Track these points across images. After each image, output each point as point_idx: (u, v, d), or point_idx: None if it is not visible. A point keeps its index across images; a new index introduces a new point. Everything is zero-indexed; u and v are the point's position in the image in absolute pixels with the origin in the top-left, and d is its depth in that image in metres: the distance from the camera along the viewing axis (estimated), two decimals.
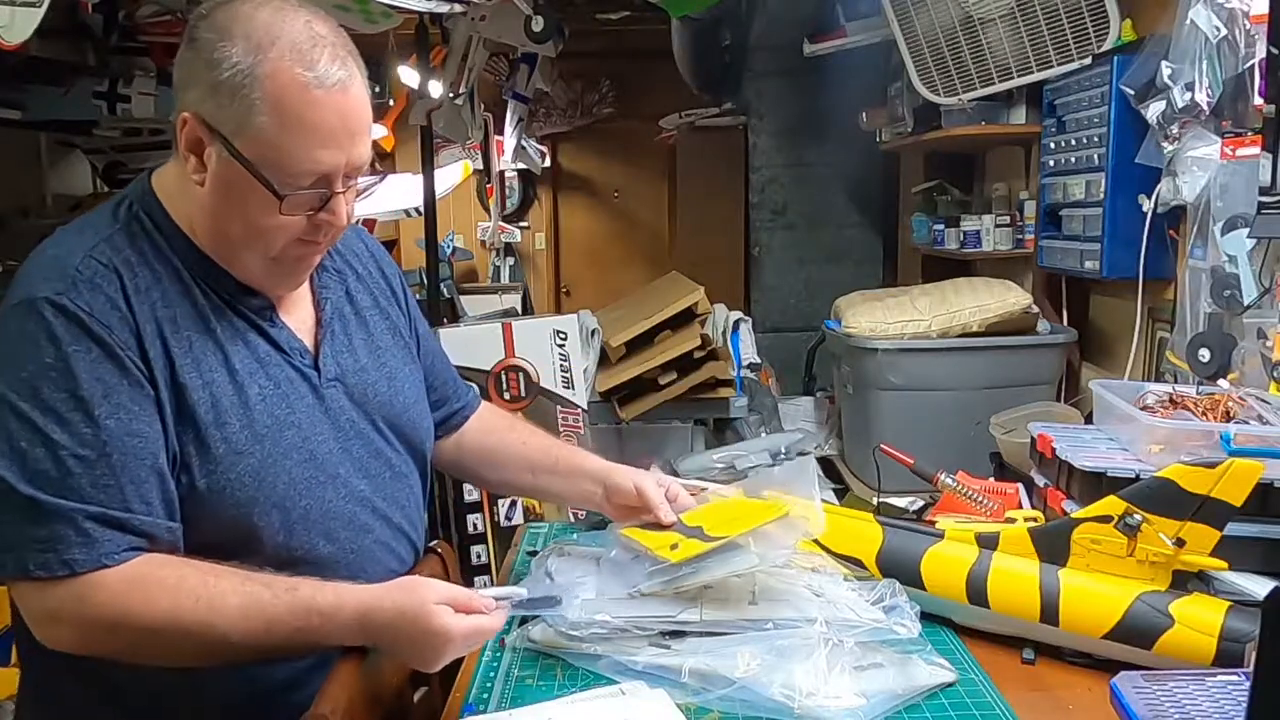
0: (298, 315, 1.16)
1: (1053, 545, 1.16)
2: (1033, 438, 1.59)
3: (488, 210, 6.60)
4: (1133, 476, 1.32)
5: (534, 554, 1.35)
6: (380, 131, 6.10)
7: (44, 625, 0.98)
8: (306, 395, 1.11)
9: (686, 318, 2.63)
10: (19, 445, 0.95)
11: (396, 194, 5.40)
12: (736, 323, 3.02)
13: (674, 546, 1.17)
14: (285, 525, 1.06)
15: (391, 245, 6.28)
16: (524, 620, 1.19)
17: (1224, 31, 1.76)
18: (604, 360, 2.73)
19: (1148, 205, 2.05)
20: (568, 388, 2.62)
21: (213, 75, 0.99)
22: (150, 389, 1.00)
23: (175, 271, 1.06)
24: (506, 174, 6.49)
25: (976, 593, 1.18)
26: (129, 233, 1.06)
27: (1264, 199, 1.63)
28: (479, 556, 2.68)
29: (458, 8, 3.34)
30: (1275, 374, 1.64)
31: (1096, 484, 1.36)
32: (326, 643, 1.01)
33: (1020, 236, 2.80)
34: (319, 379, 1.13)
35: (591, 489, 1.33)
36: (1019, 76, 2.50)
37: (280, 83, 0.98)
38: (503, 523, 2.81)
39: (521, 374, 2.61)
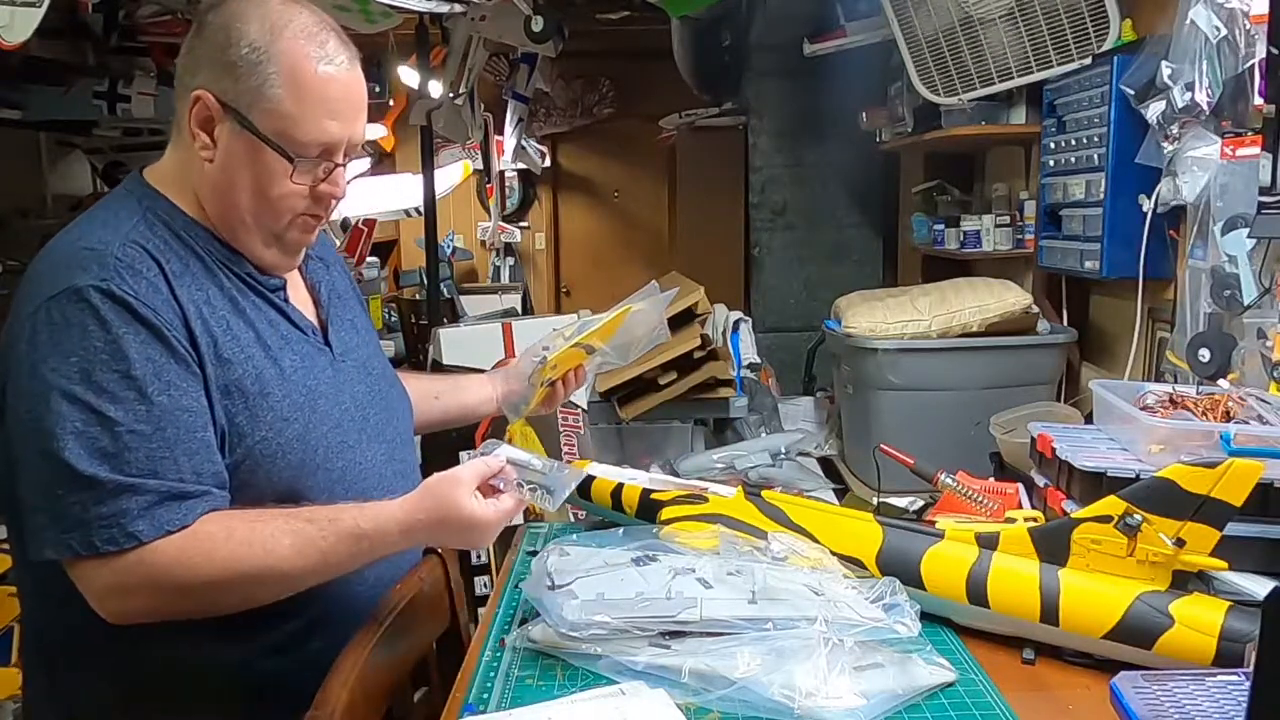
0: (298, 298, 1.22)
1: (1053, 545, 1.16)
2: (1033, 438, 1.59)
3: (488, 210, 6.60)
4: (1133, 476, 1.31)
5: (534, 554, 1.34)
6: (380, 131, 6.10)
7: (114, 599, 1.01)
8: (327, 369, 1.19)
9: (686, 318, 2.62)
10: (75, 427, 0.98)
11: (396, 194, 5.39)
12: (736, 323, 3.02)
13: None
14: (328, 485, 1.12)
15: (391, 245, 6.28)
16: (524, 620, 1.20)
17: (1224, 31, 1.76)
18: None
19: (1148, 205, 2.05)
20: None
21: (227, 54, 1.06)
22: (196, 367, 1.05)
23: (198, 257, 1.10)
24: (506, 174, 6.50)
25: (976, 593, 1.18)
26: (148, 222, 1.09)
27: (1264, 199, 1.63)
28: (479, 556, 2.68)
29: (458, 8, 3.35)
30: (1275, 374, 1.64)
31: (1096, 484, 1.36)
32: (377, 556, 1.08)
33: (1020, 236, 2.79)
34: (332, 355, 1.21)
35: (489, 391, 1.51)
36: (1019, 76, 2.49)
37: (295, 59, 1.07)
38: None
39: None
